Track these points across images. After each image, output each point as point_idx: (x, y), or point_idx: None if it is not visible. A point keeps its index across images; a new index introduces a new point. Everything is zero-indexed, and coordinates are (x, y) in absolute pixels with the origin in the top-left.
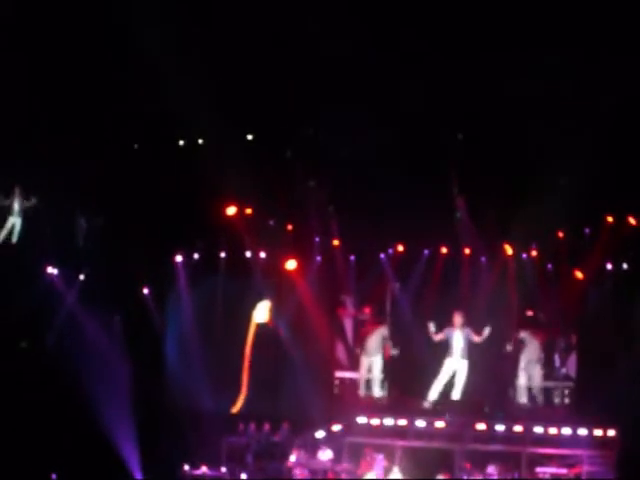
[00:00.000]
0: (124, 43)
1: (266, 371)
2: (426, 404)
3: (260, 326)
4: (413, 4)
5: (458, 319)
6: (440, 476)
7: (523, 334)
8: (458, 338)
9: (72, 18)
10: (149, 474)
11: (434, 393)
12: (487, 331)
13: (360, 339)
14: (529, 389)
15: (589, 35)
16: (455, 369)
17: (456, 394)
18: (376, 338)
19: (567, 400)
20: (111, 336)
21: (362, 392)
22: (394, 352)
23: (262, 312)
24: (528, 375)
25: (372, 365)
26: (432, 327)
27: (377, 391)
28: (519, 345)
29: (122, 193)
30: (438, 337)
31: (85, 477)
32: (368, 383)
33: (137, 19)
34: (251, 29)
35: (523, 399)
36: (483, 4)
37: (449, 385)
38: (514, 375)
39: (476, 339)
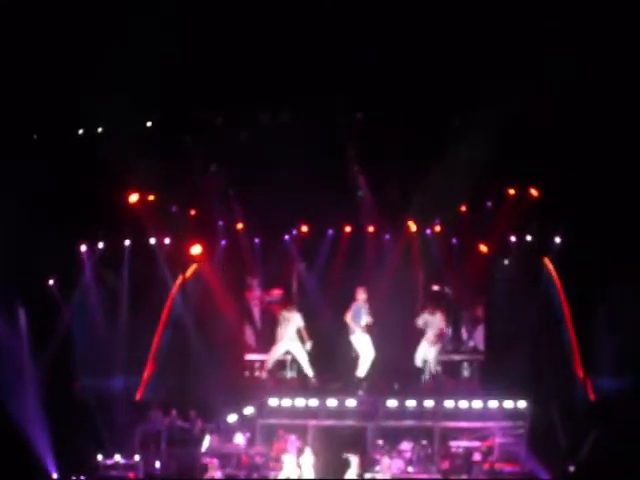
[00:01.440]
0: (20, 29)
1: (174, 356)
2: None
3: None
4: None
5: (362, 295)
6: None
7: (422, 319)
8: (359, 313)
9: None
10: (64, 467)
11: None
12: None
13: (269, 322)
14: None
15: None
16: (360, 344)
17: (362, 370)
18: (291, 328)
19: (476, 373)
20: (16, 330)
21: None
22: (308, 347)
23: None
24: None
25: (292, 352)
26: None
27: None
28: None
29: (23, 184)
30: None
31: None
32: (281, 365)
33: (32, 3)
34: (149, 12)
35: (426, 375)
36: None
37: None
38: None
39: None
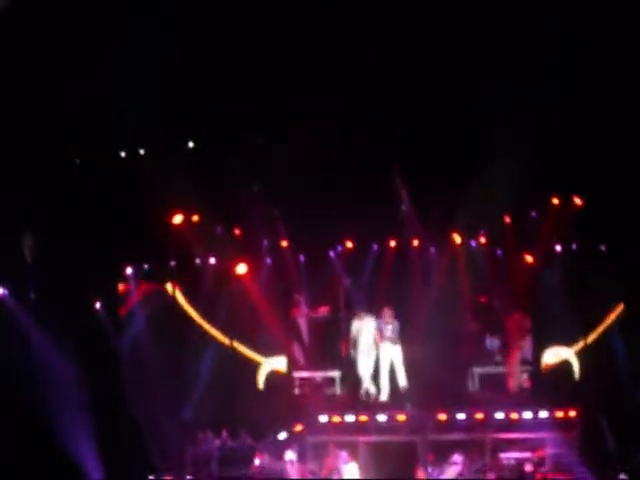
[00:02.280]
0: (63, 55)
1: (222, 376)
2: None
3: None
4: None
5: (388, 313)
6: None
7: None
8: (388, 330)
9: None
10: None
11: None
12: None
13: (316, 339)
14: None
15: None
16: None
17: (401, 382)
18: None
19: (525, 384)
20: (65, 352)
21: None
22: None
23: None
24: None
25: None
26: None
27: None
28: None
29: (68, 209)
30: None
31: None
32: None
33: (74, 29)
34: (191, 36)
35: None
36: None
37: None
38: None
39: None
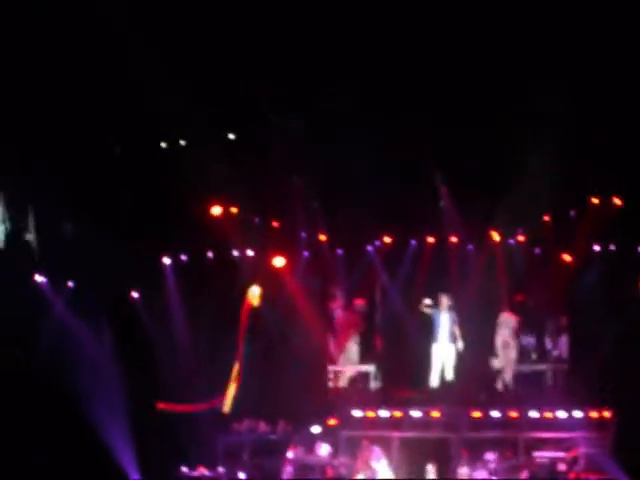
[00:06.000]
0: (104, 48)
1: (258, 368)
2: (426, 391)
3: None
4: None
5: (444, 301)
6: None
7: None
8: (445, 320)
9: (48, 20)
10: (148, 478)
11: (434, 380)
12: (460, 345)
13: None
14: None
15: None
16: (443, 354)
17: (448, 378)
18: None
19: (560, 382)
20: (102, 342)
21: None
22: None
23: (253, 296)
24: (506, 359)
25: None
26: (427, 301)
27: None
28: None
29: (107, 198)
30: (426, 310)
31: None
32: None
33: (116, 22)
34: (230, 27)
35: (499, 385)
36: None
37: (442, 371)
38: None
39: (457, 329)
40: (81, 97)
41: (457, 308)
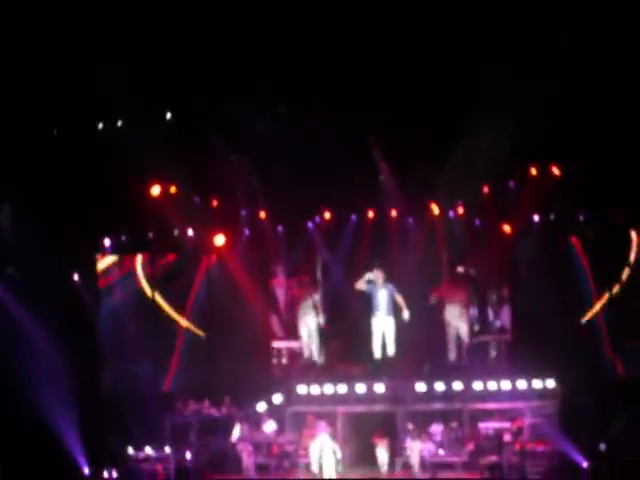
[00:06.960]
0: (39, 28)
1: (201, 346)
2: (370, 365)
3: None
4: None
5: (380, 275)
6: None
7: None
8: (382, 294)
9: None
10: (95, 461)
11: (377, 352)
12: (406, 315)
13: (292, 306)
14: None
15: None
16: (383, 327)
17: (390, 352)
18: (307, 304)
19: (503, 353)
20: (44, 327)
21: (306, 356)
22: (320, 320)
23: None
24: (456, 331)
25: (309, 330)
26: (368, 276)
27: (315, 357)
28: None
29: (44, 180)
30: (362, 286)
31: (33, 474)
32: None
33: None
34: (166, 8)
35: (452, 355)
36: None
37: (384, 345)
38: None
39: (399, 298)
40: (15, 79)
41: (397, 280)
